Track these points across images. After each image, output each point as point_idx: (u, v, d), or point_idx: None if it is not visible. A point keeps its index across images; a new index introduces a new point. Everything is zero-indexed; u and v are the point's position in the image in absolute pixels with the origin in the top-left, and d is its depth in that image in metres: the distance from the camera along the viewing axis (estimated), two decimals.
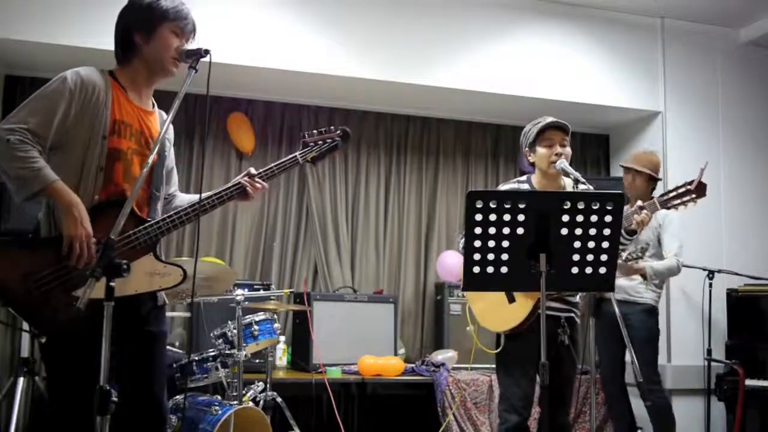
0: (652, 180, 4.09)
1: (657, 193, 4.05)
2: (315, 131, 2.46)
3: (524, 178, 3.05)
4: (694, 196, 2.81)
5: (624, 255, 4.01)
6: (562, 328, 2.84)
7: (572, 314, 2.92)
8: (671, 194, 2.86)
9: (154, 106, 2.34)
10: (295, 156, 2.40)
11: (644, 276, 3.86)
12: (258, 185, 2.29)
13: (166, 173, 2.34)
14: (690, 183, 2.82)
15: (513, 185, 3.03)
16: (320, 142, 2.43)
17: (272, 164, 2.36)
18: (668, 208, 2.88)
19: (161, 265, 2.13)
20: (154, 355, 2.24)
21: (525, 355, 2.85)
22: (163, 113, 2.35)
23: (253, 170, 2.32)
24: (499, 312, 2.89)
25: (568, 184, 2.98)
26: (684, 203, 2.84)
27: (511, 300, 2.85)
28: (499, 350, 2.92)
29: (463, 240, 2.98)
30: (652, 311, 4.06)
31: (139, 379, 2.21)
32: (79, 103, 2.08)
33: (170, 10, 2.21)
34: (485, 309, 2.96)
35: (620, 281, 3.98)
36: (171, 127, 2.36)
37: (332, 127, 2.47)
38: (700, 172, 2.81)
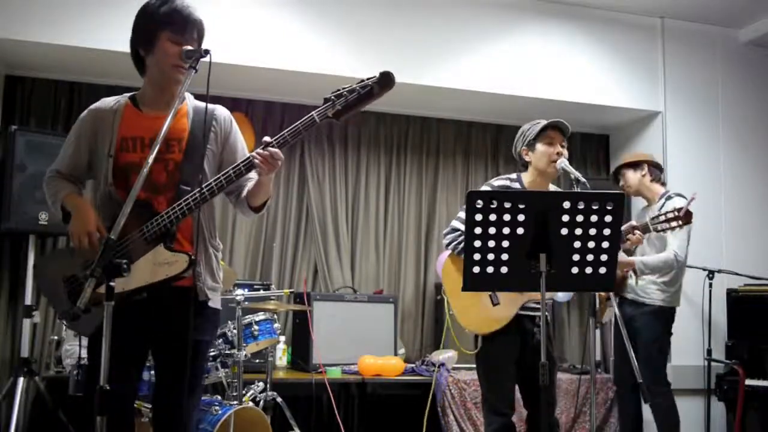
0: (653, 168, 4.07)
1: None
2: (341, 87, 2.13)
3: (514, 175, 3.06)
4: (680, 223, 3.07)
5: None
6: (538, 327, 2.84)
7: (546, 313, 2.94)
8: (661, 218, 3.11)
9: (183, 102, 2.29)
10: (311, 115, 2.12)
11: (635, 270, 3.84)
12: (266, 153, 2.12)
13: (226, 166, 2.22)
14: (679, 210, 3.06)
15: (503, 182, 3.02)
16: (346, 93, 2.11)
17: (285, 130, 2.15)
18: (657, 231, 3.13)
19: (169, 254, 2.13)
20: (187, 365, 2.18)
21: (505, 355, 2.87)
22: (198, 103, 2.32)
23: (268, 138, 2.17)
24: (480, 313, 2.90)
25: (551, 187, 3.05)
26: (671, 228, 3.11)
27: (495, 303, 2.87)
28: (478, 351, 2.93)
29: (450, 236, 3.00)
30: (658, 313, 3.96)
31: (167, 385, 2.23)
32: (90, 132, 2.26)
33: (168, 16, 2.18)
34: (466, 308, 2.95)
35: (630, 281, 3.98)
36: (224, 115, 2.34)
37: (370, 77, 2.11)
38: (688, 202, 3.06)
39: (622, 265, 3.87)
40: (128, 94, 2.31)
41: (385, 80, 2.08)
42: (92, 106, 2.31)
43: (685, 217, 3.05)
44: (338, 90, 2.14)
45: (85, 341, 2.25)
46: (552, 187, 3.08)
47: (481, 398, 3.02)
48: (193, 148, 2.23)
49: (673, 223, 3.07)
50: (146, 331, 2.19)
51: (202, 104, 2.31)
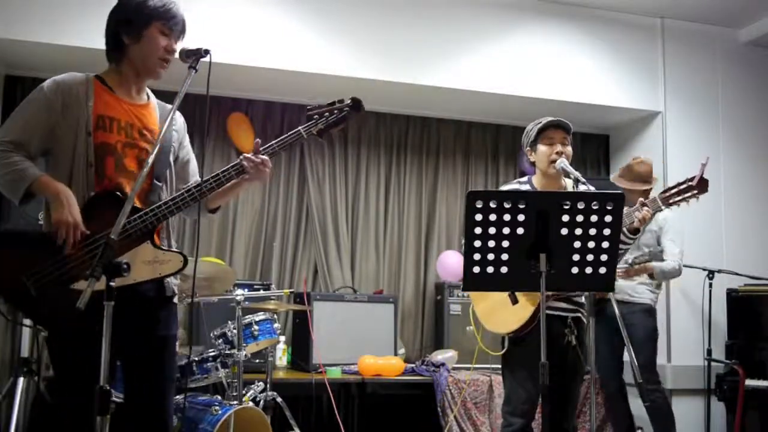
0: (646, 191, 4.05)
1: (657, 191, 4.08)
2: (319, 104, 2.33)
3: (525, 178, 3.03)
4: (696, 192, 2.75)
5: (631, 258, 4.05)
6: (569, 329, 2.81)
7: (579, 314, 2.87)
8: (672, 191, 2.80)
9: (149, 98, 2.32)
10: (298, 130, 2.28)
11: (651, 275, 3.98)
12: (257, 160, 2.20)
13: (180, 165, 2.34)
14: (691, 179, 2.76)
15: (514, 186, 3.00)
16: (327, 114, 2.32)
17: (273, 141, 2.26)
18: (670, 205, 2.82)
19: (161, 253, 2.12)
20: (164, 361, 2.23)
21: (530, 357, 2.80)
22: (165, 105, 2.33)
23: (259, 141, 2.26)
24: (501, 313, 2.86)
25: (569, 184, 2.94)
26: (686, 199, 2.78)
27: (515, 301, 2.84)
28: (503, 352, 2.89)
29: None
30: (650, 311, 4.10)
31: (146, 384, 2.21)
32: (58, 105, 2.11)
33: (159, 9, 2.18)
34: (488, 310, 2.93)
35: (620, 282, 4.00)
36: (179, 117, 2.37)
37: (342, 99, 2.33)
38: (701, 168, 2.77)
39: (640, 270, 4.01)
40: (92, 74, 2.23)
41: (357, 106, 2.35)
42: (58, 78, 2.16)
43: (699, 185, 2.74)
44: (318, 107, 2.31)
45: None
46: (569, 184, 2.93)
47: (503, 398, 2.94)
48: (165, 143, 2.25)
49: (687, 194, 2.75)
50: (118, 329, 2.14)
51: (162, 103, 2.34)
